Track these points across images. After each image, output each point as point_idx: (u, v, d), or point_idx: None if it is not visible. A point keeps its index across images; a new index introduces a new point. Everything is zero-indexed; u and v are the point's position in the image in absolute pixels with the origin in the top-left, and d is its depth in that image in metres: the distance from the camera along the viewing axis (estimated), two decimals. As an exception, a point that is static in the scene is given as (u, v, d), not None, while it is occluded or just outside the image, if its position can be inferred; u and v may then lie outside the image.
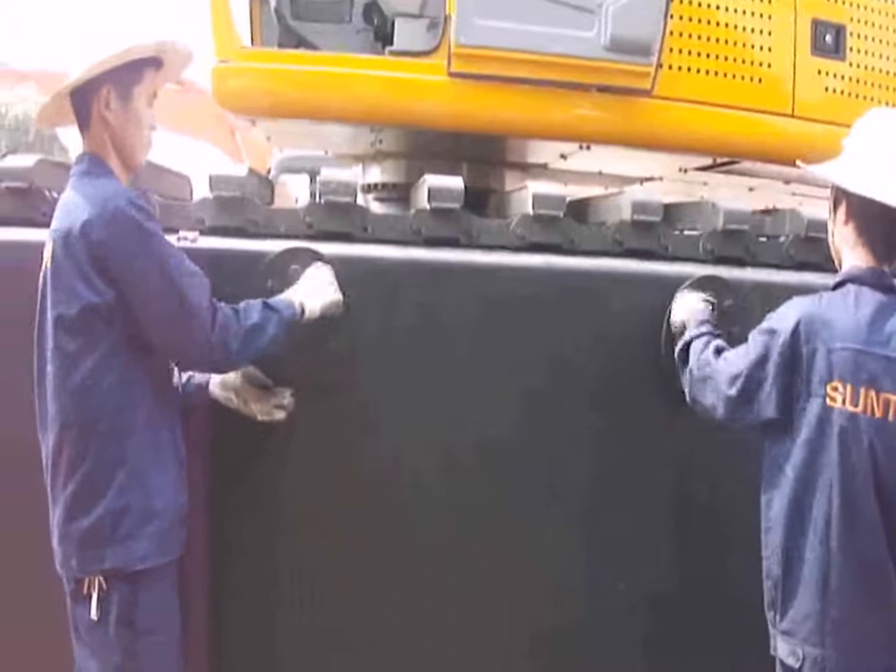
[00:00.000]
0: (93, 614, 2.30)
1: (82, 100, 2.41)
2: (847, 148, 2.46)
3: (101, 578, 2.31)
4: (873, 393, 2.24)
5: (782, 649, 2.37)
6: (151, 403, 2.40)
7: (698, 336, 2.76)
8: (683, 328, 2.88)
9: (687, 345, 2.78)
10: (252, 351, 2.48)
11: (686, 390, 2.72)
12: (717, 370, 2.55)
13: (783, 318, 2.37)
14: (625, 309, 3.03)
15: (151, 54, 2.48)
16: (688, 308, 2.94)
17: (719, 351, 2.63)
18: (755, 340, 2.44)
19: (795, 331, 2.31)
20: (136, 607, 2.33)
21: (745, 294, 3.05)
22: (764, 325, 2.44)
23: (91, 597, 2.30)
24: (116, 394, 2.32)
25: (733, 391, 2.46)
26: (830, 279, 2.48)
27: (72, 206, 2.31)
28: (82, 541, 2.31)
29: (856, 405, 2.24)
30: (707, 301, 2.97)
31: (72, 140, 2.52)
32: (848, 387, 2.25)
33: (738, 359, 2.48)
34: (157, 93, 2.54)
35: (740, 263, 3.21)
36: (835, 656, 2.27)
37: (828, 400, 2.27)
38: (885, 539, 2.25)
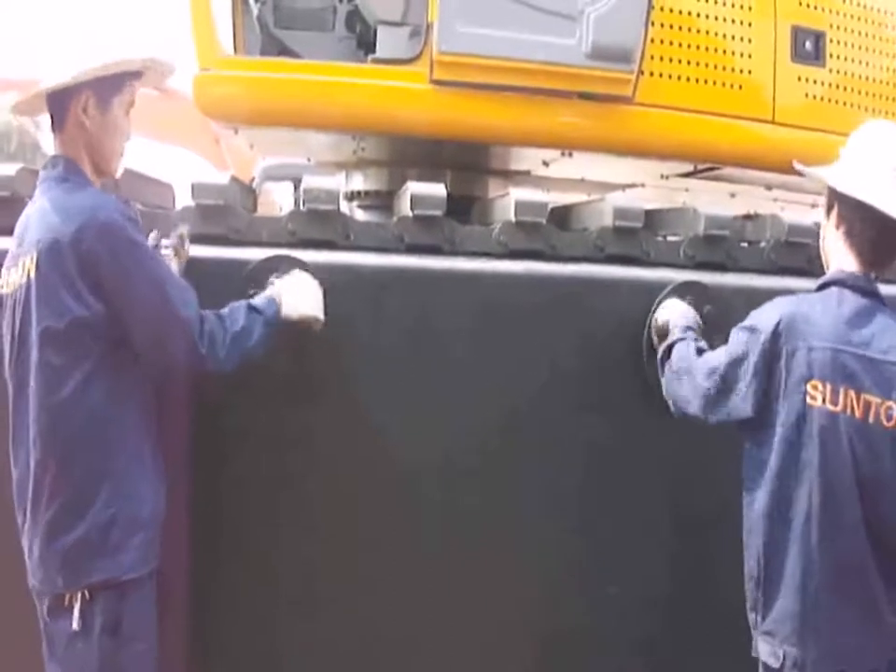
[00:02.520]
0: (76, 625, 2.27)
1: (59, 101, 2.40)
2: (842, 156, 2.49)
3: (86, 590, 2.28)
4: (853, 393, 2.25)
5: (763, 650, 2.38)
6: (136, 414, 2.39)
7: (682, 339, 2.77)
8: (666, 329, 2.89)
9: (670, 347, 2.79)
10: (239, 355, 2.48)
11: (663, 384, 2.74)
12: (695, 365, 2.58)
13: (765, 317, 2.39)
14: (608, 314, 3.04)
15: (138, 68, 2.49)
16: (674, 310, 2.95)
17: (700, 351, 2.66)
18: (736, 337, 2.46)
19: (776, 330, 2.33)
20: (121, 616, 2.31)
21: (726, 299, 3.07)
22: (746, 322, 2.46)
23: (73, 608, 2.27)
24: (103, 406, 2.30)
25: (709, 384, 2.48)
26: (811, 284, 2.50)
27: (56, 216, 2.28)
28: (69, 555, 2.28)
29: (836, 404, 2.26)
30: (694, 307, 2.99)
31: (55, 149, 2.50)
32: (829, 386, 2.26)
33: (718, 355, 2.50)
34: (134, 102, 2.54)
35: (721, 268, 3.23)
36: (816, 657, 2.28)
37: (808, 399, 2.28)
38: (866, 538, 2.26)
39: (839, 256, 2.44)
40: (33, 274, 2.27)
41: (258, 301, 2.60)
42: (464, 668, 3.04)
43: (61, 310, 2.24)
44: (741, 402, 2.39)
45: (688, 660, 3.11)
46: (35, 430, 2.29)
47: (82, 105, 2.38)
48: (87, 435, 2.29)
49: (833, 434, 2.26)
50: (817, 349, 2.28)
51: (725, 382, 2.43)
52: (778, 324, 2.33)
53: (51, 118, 2.44)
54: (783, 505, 2.33)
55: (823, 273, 2.52)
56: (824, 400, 2.27)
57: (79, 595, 2.28)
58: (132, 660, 2.34)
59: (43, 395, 2.27)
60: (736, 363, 2.41)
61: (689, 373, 2.59)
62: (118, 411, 2.34)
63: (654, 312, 3.02)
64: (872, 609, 2.29)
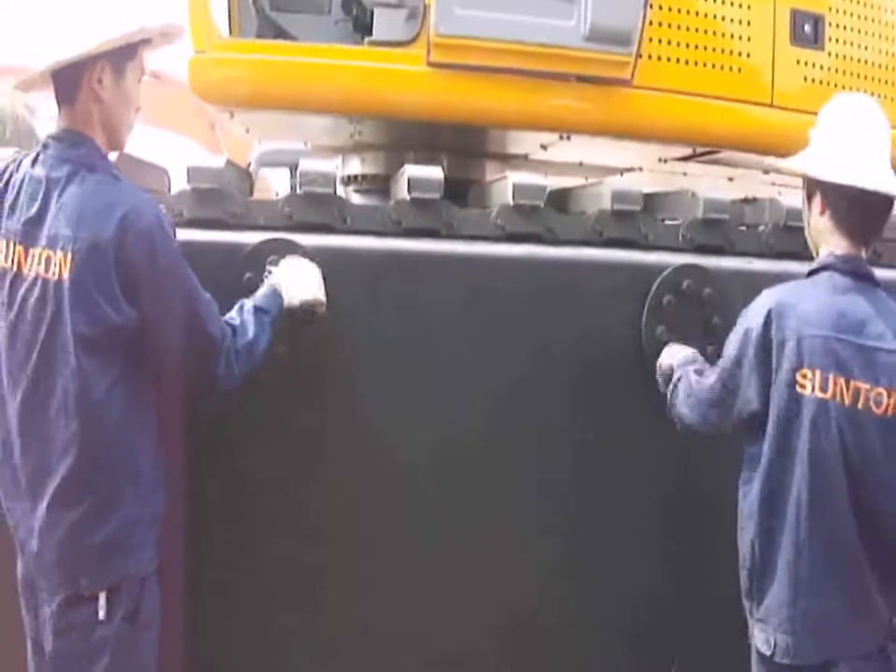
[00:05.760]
0: (101, 615, 2.25)
1: (71, 72, 2.30)
2: (814, 139, 2.49)
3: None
4: (842, 380, 2.26)
5: (758, 637, 2.39)
6: (156, 415, 2.39)
7: (680, 376, 2.73)
8: (670, 371, 2.84)
9: (674, 387, 2.75)
10: (252, 362, 2.48)
11: (677, 421, 2.70)
12: (699, 387, 2.57)
13: (754, 311, 2.39)
14: (606, 298, 3.04)
15: (157, 35, 2.44)
16: (675, 353, 2.91)
17: (700, 373, 2.63)
18: (730, 341, 2.46)
19: (766, 321, 2.32)
20: (140, 604, 2.32)
21: (724, 282, 3.06)
22: (738, 323, 2.46)
23: (96, 599, 2.25)
24: (130, 408, 2.29)
25: (714, 395, 2.49)
26: (808, 267, 2.49)
27: (95, 214, 2.21)
28: (95, 556, 2.26)
29: (825, 391, 2.26)
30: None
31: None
32: (818, 374, 2.26)
33: (717, 366, 2.50)
34: (145, 69, 2.48)
35: (720, 252, 3.22)
36: (805, 644, 2.29)
37: (798, 388, 2.28)
38: (856, 525, 2.27)
39: (828, 241, 2.44)
40: (66, 275, 2.19)
41: (261, 298, 2.58)
42: (463, 664, 3.03)
43: (96, 316, 2.19)
44: (748, 399, 2.39)
45: (685, 652, 3.13)
46: (67, 434, 2.23)
47: (97, 76, 2.30)
48: (117, 438, 2.27)
49: (823, 422, 2.26)
50: (806, 337, 2.28)
51: (729, 386, 2.44)
52: (768, 315, 2.33)
53: (58, 91, 2.35)
54: (776, 494, 2.34)
55: (821, 257, 2.52)
56: (814, 388, 2.27)
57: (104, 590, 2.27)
58: (144, 646, 2.35)
59: (77, 400, 2.22)
60: (736, 365, 2.41)
61: (695, 394, 2.59)
62: (141, 412, 2.33)
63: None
64: (863, 596, 2.30)
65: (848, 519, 2.27)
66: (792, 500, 2.30)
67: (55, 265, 2.20)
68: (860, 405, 2.25)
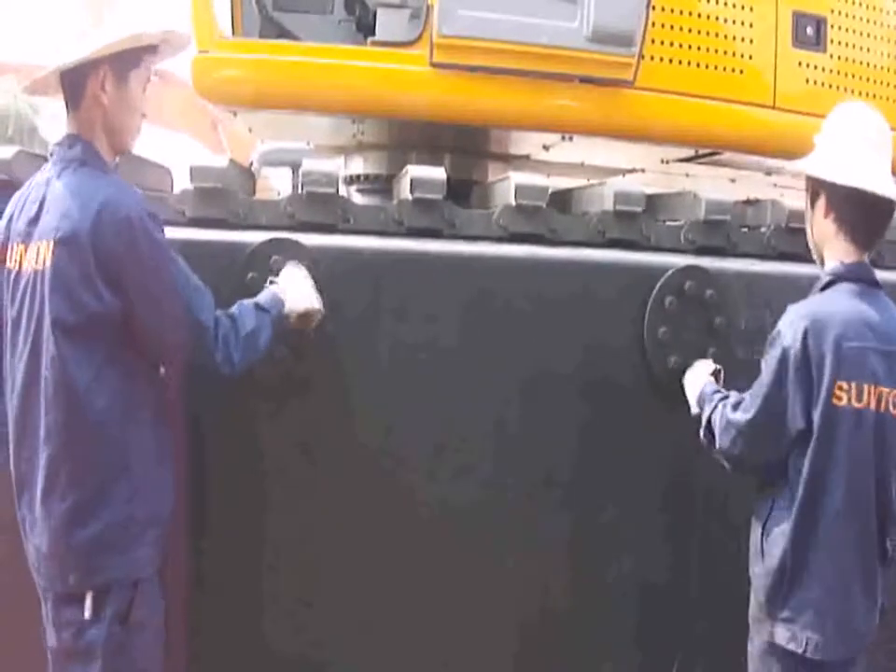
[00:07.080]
0: (87, 614, 2.26)
1: (76, 78, 2.35)
2: (819, 144, 2.52)
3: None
4: (872, 388, 2.32)
5: (783, 635, 2.40)
6: (152, 408, 2.38)
7: (713, 409, 2.65)
8: (698, 409, 2.79)
9: (708, 423, 2.67)
10: (251, 355, 2.49)
11: (723, 461, 2.62)
12: (738, 420, 2.49)
13: (789, 331, 2.39)
14: (608, 299, 3.03)
15: (158, 41, 2.46)
16: (695, 382, 2.87)
17: (735, 407, 2.55)
18: (769, 365, 2.43)
19: (804, 339, 2.34)
20: (132, 605, 2.31)
21: (727, 284, 3.06)
22: (772, 345, 2.44)
23: (84, 598, 2.26)
24: (118, 400, 2.28)
25: (758, 425, 2.44)
26: (810, 269, 2.50)
27: (75, 205, 2.23)
28: (84, 552, 2.26)
29: (861, 401, 2.32)
30: (715, 371, 2.91)
31: (53, 135, 2.46)
32: (853, 385, 2.31)
33: (755, 395, 2.47)
34: (150, 78, 2.51)
35: (722, 253, 3.22)
36: (834, 642, 2.34)
37: (834, 399, 2.32)
38: (876, 523, 2.37)
39: (834, 245, 2.47)
40: (48, 263, 2.22)
41: (263, 299, 2.59)
42: (464, 663, 3.03)
43: (75, 304, 2.20)
44: (794, 418, 2.37)
45: (686, 651, 3.13)
46: (48, 423, 2.25)
47: (100, 82, 2.34)
48: (102, 430, 2.26)
49: (859, 430, 2.32)
50: (843, 349, 2.32)
51: (772, 411, 2.40)
52: (805, 332, 2.34)
53: (65, 96, 2.39)
54: (816, 502, 2.36)
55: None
56: (850, 399, 2.32)
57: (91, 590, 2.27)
58: (140, 646, 2.34)
59: (57, 388, 2.23)
60: (777, 388, 2.39)
61: (736, 429, 2.50)
62: (133, 406, 2.32)
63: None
64: (873, 595, 2.39)
65: (871, 518, 2.36)
66: (831, 507, 2.34)
67: (41, 255, 2.25)
68: (882, 408, 2.33)
